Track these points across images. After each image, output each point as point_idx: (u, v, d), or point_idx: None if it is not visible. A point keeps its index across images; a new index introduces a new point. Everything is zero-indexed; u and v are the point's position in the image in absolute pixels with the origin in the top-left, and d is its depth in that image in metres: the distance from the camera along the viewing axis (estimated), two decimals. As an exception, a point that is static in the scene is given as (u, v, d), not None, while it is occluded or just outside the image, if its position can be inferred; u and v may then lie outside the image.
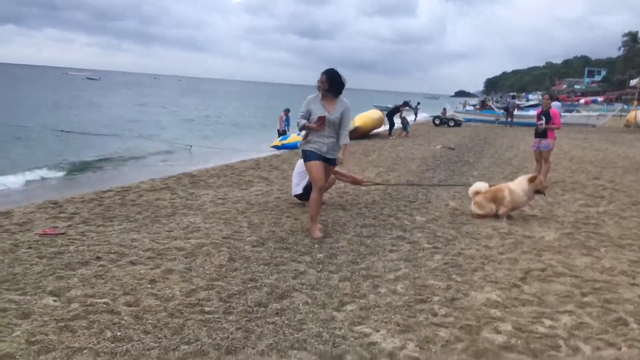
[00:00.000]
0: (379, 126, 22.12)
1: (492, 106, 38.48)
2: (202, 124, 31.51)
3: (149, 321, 3.54)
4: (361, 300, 4.01)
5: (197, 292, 4.08)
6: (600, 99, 66.97)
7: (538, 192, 6.87)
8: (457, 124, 29.13)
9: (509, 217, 6.78)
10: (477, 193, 6.97)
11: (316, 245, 5.41)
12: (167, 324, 3.49)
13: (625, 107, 40.51)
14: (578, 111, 36.77)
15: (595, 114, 34.90)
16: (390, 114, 22.60)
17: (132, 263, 4.70)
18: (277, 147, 19.02)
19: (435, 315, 3.78)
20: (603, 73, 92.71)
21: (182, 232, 5.80)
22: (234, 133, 26.60)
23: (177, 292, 4.05)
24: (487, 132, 24.32)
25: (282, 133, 20.85)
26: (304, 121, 5.61)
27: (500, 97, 58.13)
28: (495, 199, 6.83)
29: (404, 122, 22.71)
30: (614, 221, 6.79)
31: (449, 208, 7.43)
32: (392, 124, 22.22)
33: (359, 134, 19.97)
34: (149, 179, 9.54)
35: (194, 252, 5.07)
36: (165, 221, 6.28)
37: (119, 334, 3.35)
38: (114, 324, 3.48)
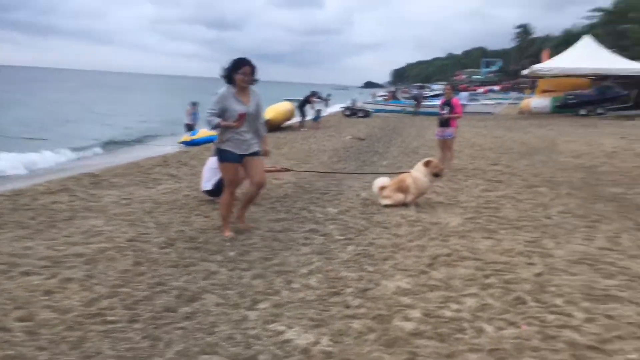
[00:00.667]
0: (290, 118, 22.15)
1: (399, 97, 39.76)
2: (108, 118, 29.80)
3: (45, 336, 3.27)
4: (274, 297, 3.95)
5: (98, 301, 3.83)
6: (497, 88, 71.28)
7: (436, 175, 7.08)
8: (367, 114, 29.83)
9: (416, 205, 7.00)
10: (382, 188, 7.12)
11: (228, 243, 5.28)
12: (65, 338, 3.25)
13: (520, 95, 43.37)
14: (477, 100, 38.90)
15: (493, 102, 37.06)
16: (301, 105, 22.71)
17: (26, 274, 4.33)
18: (186, 143, 18.48)
19: (348, 307, 3.80)
20: (499, 63, 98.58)
21: (82, 236, 5.44)
22: (141, 128, 25.41)
23: (76, 303, 3.78)
24: (395, 122, 25.11)
25: (190, 128, 20.29)
26: (217, 120, 5.21)
27: (406, 88, 60.19)
28: (401, 189, 7.02)
29: (318, 113, 22.86)
30: (511, 204, 7.21)
31: (360, 198, 7.55)
32: (303, 116, 22.32)
33: (271, 127, 19.86)
34: (45, 181, 8.89)
35: (96, 257, 4.76)
36: (63, 226, 5.86)
37: (10, 352, 3.06)
38: (5, 342, 3.19)
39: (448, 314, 3.68)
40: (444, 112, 10.41)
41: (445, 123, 10.46)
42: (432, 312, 3.69)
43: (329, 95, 35.32)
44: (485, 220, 6.33)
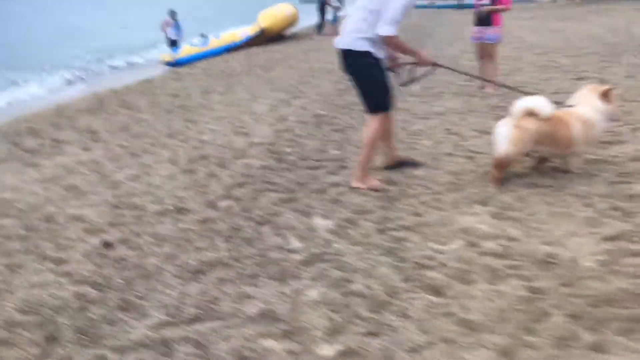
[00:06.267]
0: (292, 24, 18.00)
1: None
2: (84, 33, 25.66)
3: None
4: None
5: None
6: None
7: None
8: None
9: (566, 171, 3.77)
10: (529, 114, 3.67)
11: None
12: None
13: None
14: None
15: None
16: (321, 5, 18.27)
17: None
18: (170, 64, 15.05)
19: None
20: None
21: None
22: (120, 46, 21.39)
23: None
24: (422, 19, 20.61)
25: (174, 43, 16.59)
26: None
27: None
28: (554, 139, 3.71)
29: (335, 12, 18.52)
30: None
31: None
32: (322, 19, 18.12)
33: (266, 38, 16.01)
34: None
35: None
36: None
37: None
38: None
39: None
40: (483, 2, 6.83)
41: (485, 20, 6.88)
42: None
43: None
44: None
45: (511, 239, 3.04)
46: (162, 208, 3.71)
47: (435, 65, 3.89)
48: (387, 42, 3.56)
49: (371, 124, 3.82)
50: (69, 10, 42.37)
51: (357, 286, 2.64)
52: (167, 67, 14.69)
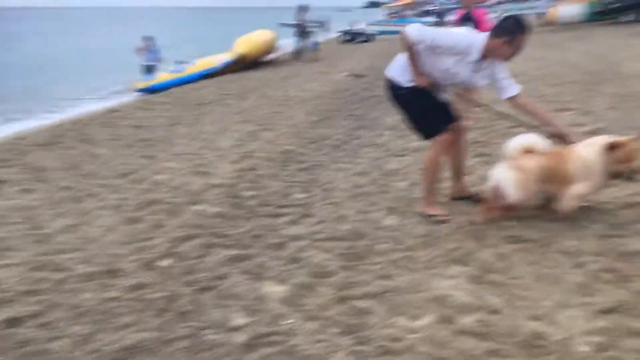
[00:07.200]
0: (270, 51, 17.74)
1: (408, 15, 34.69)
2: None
3: None
4: None
5: None
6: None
7: (619, 176, 3.40)
8: (368, 38, 25.25)
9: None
10: (527, 151, 3.40)
11: None
12: None
13: (550, 2, 37.89)
14: (495, 12, 33.74)
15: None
16: (301, 31, 18.20)
17: None
18: (143, 90, 14.61)
19: None
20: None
21: None
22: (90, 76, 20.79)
23: None
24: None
25: (150, 69, 16.12)
26: None
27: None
28: (555, 176, 3.37)
29: (310, 36, 18.55)
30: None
31: (348, 225, 3.66)
32: (301, 45, 17.99)
33: (244, 65, 15.66)
34: None
35: None
36: None
37: None
38: None
39: None
40: None
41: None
42: None
43: (323, 18, 30.52)
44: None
45: (492, 311, 2.59)
46: (91, 270, 3.21)
47: (430, 86, 3.62)
48: (401, 36, 3.40)
49: (429, 148, 3.68)
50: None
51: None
52: (138, 94, 14.29)
